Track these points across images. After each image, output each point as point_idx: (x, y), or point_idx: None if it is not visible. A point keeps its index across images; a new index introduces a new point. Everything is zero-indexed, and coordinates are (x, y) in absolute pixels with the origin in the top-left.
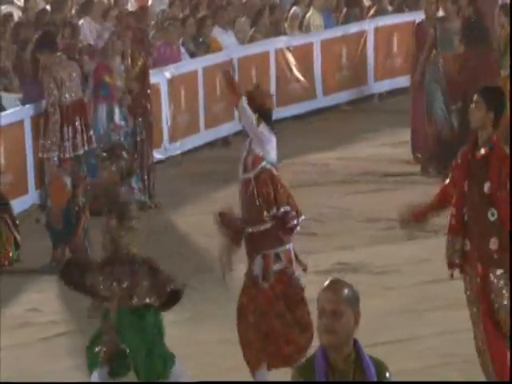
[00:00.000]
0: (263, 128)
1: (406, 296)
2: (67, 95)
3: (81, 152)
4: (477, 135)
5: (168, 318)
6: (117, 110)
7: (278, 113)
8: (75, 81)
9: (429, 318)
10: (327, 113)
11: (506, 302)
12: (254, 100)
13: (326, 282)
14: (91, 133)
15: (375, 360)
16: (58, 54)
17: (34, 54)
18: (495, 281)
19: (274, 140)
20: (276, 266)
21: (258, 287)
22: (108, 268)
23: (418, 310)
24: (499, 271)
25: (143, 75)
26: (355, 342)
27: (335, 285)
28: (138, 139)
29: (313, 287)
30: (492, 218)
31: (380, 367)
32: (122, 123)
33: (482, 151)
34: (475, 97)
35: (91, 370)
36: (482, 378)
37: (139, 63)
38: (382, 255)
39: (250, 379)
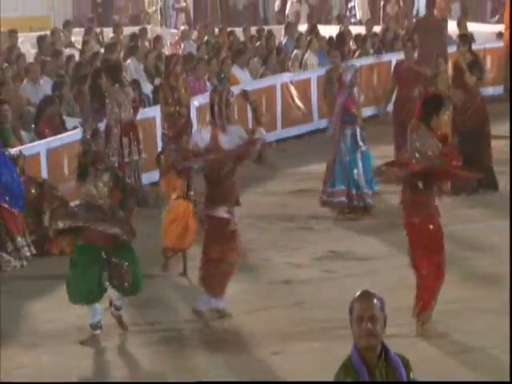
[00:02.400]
0: None
1: (387, 277)
2: (123, 114)
3: (135, 158)
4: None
5: None
6: (358, 134)
7: (283, 133)
8: (128, 104)
9: (406, 295)
10: (322, 133)
11: None
12: None
13: (358, 294)
14: (141, 146)
15: (399, 355)
16: (117, 84)
17: (96, 79)
18: None
19: None
20: None
21: None
22: None
23: (396, 287)
24: None
25: (189, 103)
26: (382, 342)
27: (367, 295)
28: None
29: (311, 270)
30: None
31: (404, 360)
32: (363, 144)
33: None
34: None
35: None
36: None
37: (188, 93)
38: (366, 244)
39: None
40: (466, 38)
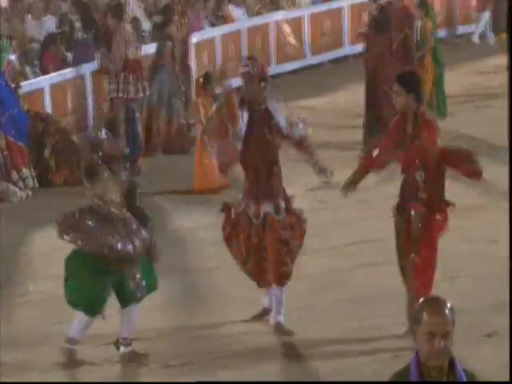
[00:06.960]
0: None
1: (375, 206)
2: (130, 52)
3: (140, 95)
4: (405, 116)
5: None
6: None
7: (277, 69)
8: (134, 41)
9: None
10: (314, 69)
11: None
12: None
13: (428, 303)
14: (145, 84)
15: (467, 372)
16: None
17: (105, 19)
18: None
19: None
20: None
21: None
22: None
23: (385, 216)
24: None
25: (186, 40)
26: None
27: (440, 307)
28: (183, 89)
29: (305, 201)
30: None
31: (469, 375)
32: None
33: (410, 129)
34: (394, 85)
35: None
36: None
37: (183, 30)
38: None
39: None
40: (424, 5)
